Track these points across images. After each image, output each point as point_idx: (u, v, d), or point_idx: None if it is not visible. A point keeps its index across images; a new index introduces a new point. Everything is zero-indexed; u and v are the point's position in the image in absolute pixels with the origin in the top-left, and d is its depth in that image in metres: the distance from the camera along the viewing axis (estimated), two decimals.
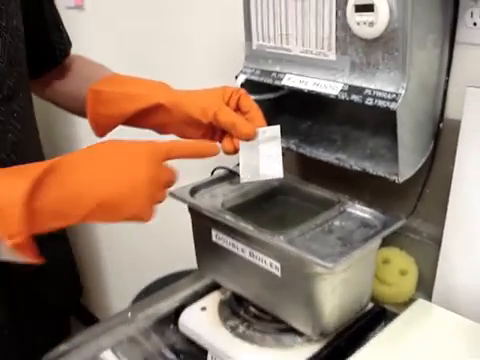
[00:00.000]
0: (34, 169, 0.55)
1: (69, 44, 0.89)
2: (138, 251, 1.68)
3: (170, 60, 1.33)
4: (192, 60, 1.28)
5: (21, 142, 0.75)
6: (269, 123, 0.76)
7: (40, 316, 0.86)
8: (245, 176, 0.73)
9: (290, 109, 0.95)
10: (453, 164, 0.79)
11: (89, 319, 2.11)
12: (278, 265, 0.71)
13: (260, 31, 0.85)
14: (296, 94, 0.84)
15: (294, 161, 1.02)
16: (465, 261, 0.81)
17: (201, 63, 1.25)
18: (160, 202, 0.63)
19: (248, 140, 0.73)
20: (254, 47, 0.88)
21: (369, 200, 0.93)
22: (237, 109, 0.75)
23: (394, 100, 0.70)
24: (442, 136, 0.79)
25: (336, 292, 0.71)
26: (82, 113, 0.82)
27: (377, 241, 0.72)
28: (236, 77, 0.89)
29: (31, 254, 0.55)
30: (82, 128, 1.64)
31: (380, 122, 0.86)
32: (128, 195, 0.58)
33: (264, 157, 0.73)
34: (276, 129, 0.74)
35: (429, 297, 0.87)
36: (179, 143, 0.68)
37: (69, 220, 0.57)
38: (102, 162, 0.59)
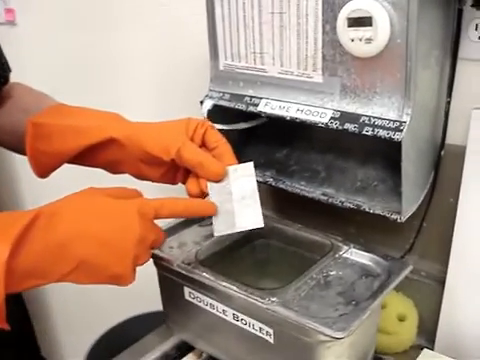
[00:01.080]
0: (15, 224, 0.49)
1: (8, 70, 0.75)
2: (89, 292, 1.50)
3: (116, 82, 1.18)
4: (143, 81, 1.14)
5: None
6: (237, 153, 0.65)
7: None
8: (219, 228, 0.63)
9: (261, 135, 0.84)
10: (454, 195, 0.70)
11: None
12: (270, 331, 0.59)
13: (229, 49, 0.73)
14: (271, 120, 0.73)
15: (266, 192, 0.90)
16: (472, 301, 0.73)
17: (153, 84, 1.12)
18: (142, 264, 0.57)
19: (217, 181, 0.63)
20: (221, 67, 0.76)
21: (355, 234, 0.83)
22: (202, 145, 0.65)
23: (398, 129, 0.59)
24: (443, 164, 0.70)
25: (341, 359, 0.60)
26: (21, 149, 0.70)
27: (385, 295, 0.61)
28: (201, 102, 0.77)
29: (1, 320, 0.50)
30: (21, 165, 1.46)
31: (367, 149, 0.76)
32: (115, 253, 0.53)
33: (238, 200, 0.62)
34: (249, 166, 0.64)
35: (429, 340, 0.79)
36: (170, 200, 0.58)
37: (48, 278, 0.52)
38: (89, 215, 0.54)
